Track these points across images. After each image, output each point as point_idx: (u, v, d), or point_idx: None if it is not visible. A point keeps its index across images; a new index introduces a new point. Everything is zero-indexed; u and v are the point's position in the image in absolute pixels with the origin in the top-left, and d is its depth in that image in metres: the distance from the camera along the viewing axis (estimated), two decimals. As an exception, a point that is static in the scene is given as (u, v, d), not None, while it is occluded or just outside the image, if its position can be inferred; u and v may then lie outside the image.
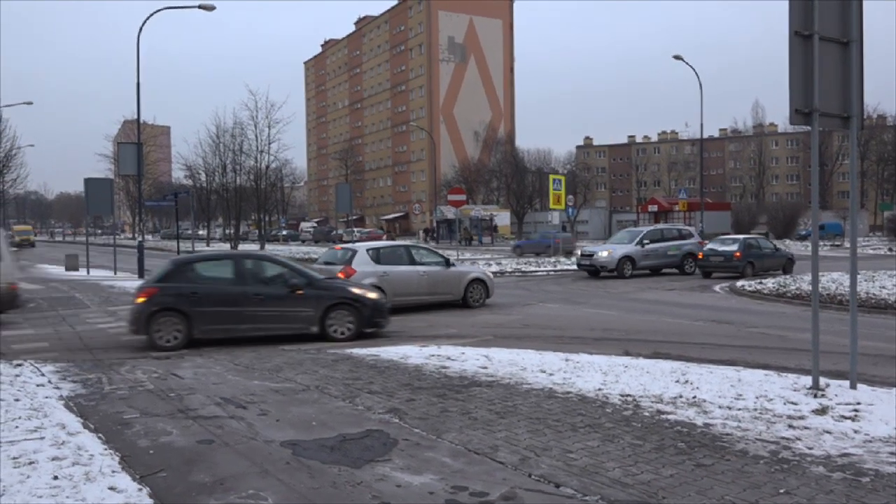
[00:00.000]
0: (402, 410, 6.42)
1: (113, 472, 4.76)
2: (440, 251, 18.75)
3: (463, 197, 33.68)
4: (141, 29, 24.80)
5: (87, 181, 25.65)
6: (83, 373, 8.57)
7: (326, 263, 15.89)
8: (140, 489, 4.48)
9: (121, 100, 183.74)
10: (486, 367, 8.25)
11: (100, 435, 5.74)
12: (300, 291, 11.42)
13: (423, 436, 5.63)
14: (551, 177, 35.89)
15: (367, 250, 15.59)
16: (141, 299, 10.96)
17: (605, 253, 23.95)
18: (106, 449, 5.31)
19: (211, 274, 11.91)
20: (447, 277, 16.18)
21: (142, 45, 25.18)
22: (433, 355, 9.09)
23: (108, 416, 6.42)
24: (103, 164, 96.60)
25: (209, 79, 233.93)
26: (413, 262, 15.99)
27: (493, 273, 20.37)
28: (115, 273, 26.19)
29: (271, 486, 4.58)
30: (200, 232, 70.92)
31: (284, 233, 75.38)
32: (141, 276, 24.84)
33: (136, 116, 26.31)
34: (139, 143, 25.54)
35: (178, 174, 70.98)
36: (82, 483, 4.51)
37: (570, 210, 43.07)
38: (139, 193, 30.96)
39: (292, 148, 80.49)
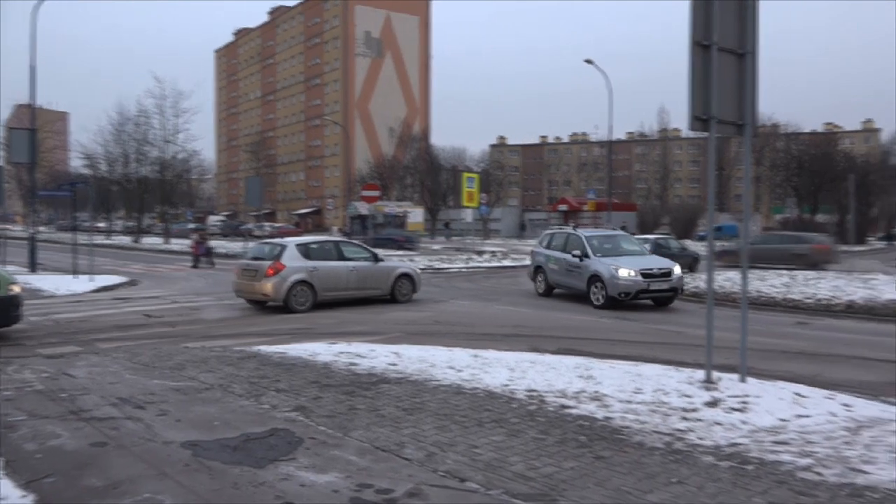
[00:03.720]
0: (309, 408, 6.34)
1: (-5, 478, 4.49)
2: (368, 247, 18.77)
3: (377, 193, 33.54)
4: (37, 8, 23.41)
5: (-27, 169, 24.04)
6: (-36, 373, 8.03)
7: (255, 259, 15.78)
8: (24, 495, 4.25)
9: (13, 83, 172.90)
10: (395, 364, 8.25)
11: (-19, 439, 5.40)
12: None
13: (330, 434, 5.58)
14: (465, 175, 36.22)
15: (297, 245, 15.57)
16: None
17: (629, 272, 15.39)
18: (-12, 454, 5.00)
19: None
20: (375, 273, 16.32)
21: (40, 28, 23.75)
22: (342, 352, 9.02)
23: (-8, 419, 6.04)
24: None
25: (113, 65, 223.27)
26: (342, 257, 16.07)
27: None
28: (4, 266, 24.62)
29: (169, 488, 4.43)
30: (100, 224, 67.66)
31: (191, 226, 72.87)
32: (33, 269, 23.50)
33: (29, 100, 24.81)
34: (33, 128, 24.11)
35: (77, 163, 67.41)
36: (-41, 490, 4.23)
37: (484, 208, 43.62)
38: (32, 182, 29.24)
39: (201, 139, 78.13)
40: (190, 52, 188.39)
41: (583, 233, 17.54)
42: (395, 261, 19.25)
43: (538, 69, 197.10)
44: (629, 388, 6.96)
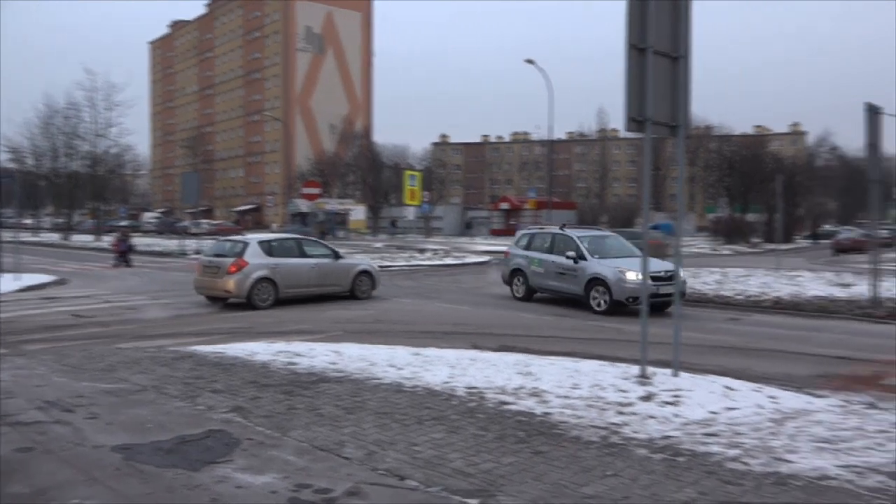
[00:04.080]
0: (247, 409, 6.24)
1: None
2: (329, 244, 18.83)
3: (318, 190, 33.20)
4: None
5: None
6: None
7: (216, 255, 15.78)
8: (-58, 505, 4.06)
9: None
10: (335, 363, 8.19)
11: None
12: None
13: (268, 434, 5.50)
14: (407, 172, 36.22)
15: (259, 242, 15.71)
16: None
17: (637, 274, 13.73)
18: None
19: None
20: (336, 270, 16.52)
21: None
22: (281, 351, 8.90)
23: None
24: None
25: (41, 55, 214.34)
26: (304, 254, 16.23)
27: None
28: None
29: (98, 494, 4.30)
30: (27, 221, 64.97)
31: (124, 223, 70.67)
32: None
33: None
34: (-48, 120, 22.98)
35: (2, 157, 64.56)
36: None
37: (426, 206, 43.67)
38: (-48, 177, 27.90)
39: (135, 133, 75.76)
40: (122, 44, 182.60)
41: (574, 233, 16.03)
42: (356, 258, 19.40)
43: (481, 68, 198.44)
44: (567, 383, 7.08)
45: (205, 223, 61.03)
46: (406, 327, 12.42)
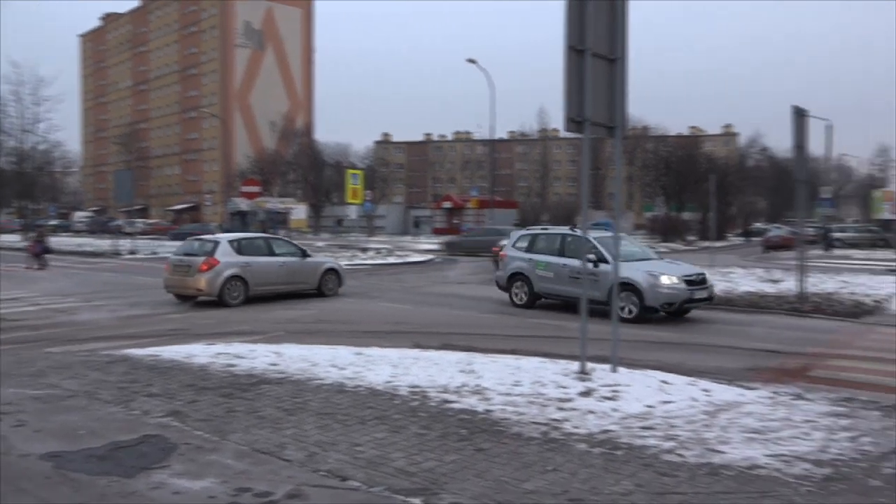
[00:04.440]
0: (184, 413, 6.10)
1: None
2: (296, 243, 19.13)
3: (257, 189, 32.65)
4: None
5: None
6: None
7: (186, 255, 15.97)
8: None
9: None
10: (276, 364, 8.08)
11: None
12: None
13: (206, 438, 5.39)
14: (349, 171, 35.95)
15: (230, 241, 15.98)
16: None
17: (672, 278, 13.34)
18: None
19: None
20: (304, 268, 16.87)
21: None
22: (221, 353, 8.73)
23: None
24: None
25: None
26: (272, 252, 16.58)
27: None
28: None
29: (26, 504, 4.14)
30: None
31: (54, 223, 68.10)
32: None
33: None
34: None
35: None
36: None
37: (368, 205, 43.44)
38: None
39: (65, 129, 72.92)
40: (51, 35, 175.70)
41: (591, 234, 13.85)
42: (322, 257, 19.68)
43: (425, 67, 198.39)
44: (509, 380, 7.15)
45: (140, 222, 59.31)
46: (349, 327, 12.34)
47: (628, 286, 13.13)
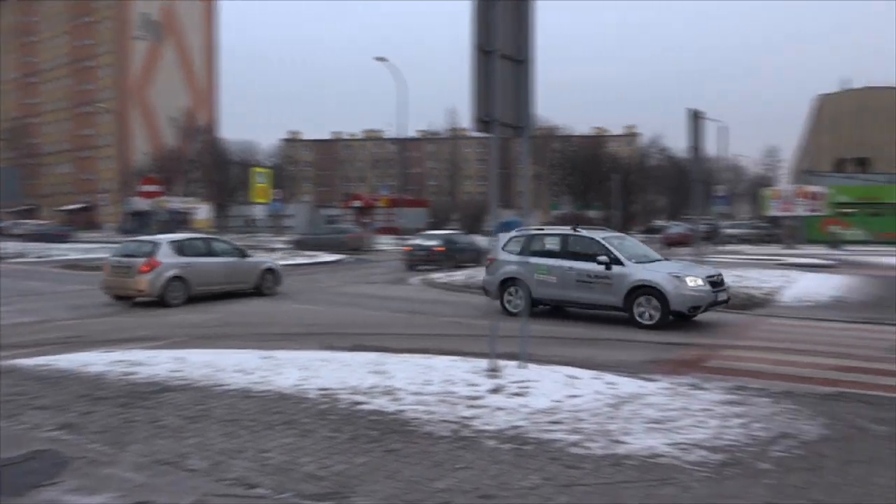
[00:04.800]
0: (78, 425, 5.80)
1: None
2: (235, 244, 19.03)
3: (158, 188, 31.39)
4: None
5: None
6: None
7: (125, 256, 16.08)
8: None
9: None
10: (179, 371, 7.79)
11: None
12: None
13: (103, 451, 5.14)
14: (255, 169, 35.08)
15: (170, 242, 16.10)
16: None
17: (697, 280, 12.59)
18: None
19: None
20: (243, 267, 17.17)
21: None
22: (118, 361, 8.34)
23: None
24: None
25: None
26: (212, 253, 16.81)
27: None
28: None
29: None
30: None
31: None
32: None
33: None
34: None
35: None
36: None
37: (277, 204, 42.56)
38: None
39: (-58, 123, 67.79)
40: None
41: (598, 235, 13.67)
42: (261, 257, 19.79)
43: (333, 65, 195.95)
44: (420, 380, 7.17)
45: (30, 223, 55.89)
46: (255, 330, 12.06)
47: (648, 290, 12.33)
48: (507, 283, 13.89)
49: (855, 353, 9.85)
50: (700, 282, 12.48)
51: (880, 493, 4.47)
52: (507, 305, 13.84)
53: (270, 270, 17.79)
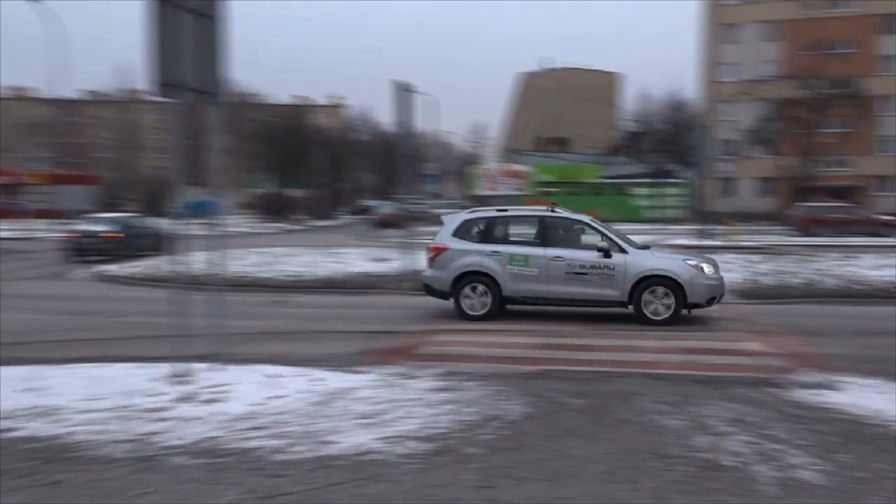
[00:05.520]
0: None
1: None
2: None
3: None
4: None
5: None
6: None
7: None
8: None
9: None
10: None
11: None
12: None
13: None
14: None
15: None
16: None
17: (712, 268, 12.26)
18: None
19: None
20: None
21: None
22: None
23: None
24: None
25: None
26: None
27: None
28: None
29: None
30: None
31: None
32: None
33: None
34: None
35: None
36: None
37: None
38: None
39: None
40: None
41: (584, 217, 12.84)
42: None
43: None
44: (90, 395, 6.66)
45: None
46: None
47: (660, 280, 11.70)
48: (465, 278, 12.41)
49: (555, 329, 11.21)
50: (713, 271, 12.21)
51: (576, 465, 5.17)
52: (464, 307, 12.39)
53: None
